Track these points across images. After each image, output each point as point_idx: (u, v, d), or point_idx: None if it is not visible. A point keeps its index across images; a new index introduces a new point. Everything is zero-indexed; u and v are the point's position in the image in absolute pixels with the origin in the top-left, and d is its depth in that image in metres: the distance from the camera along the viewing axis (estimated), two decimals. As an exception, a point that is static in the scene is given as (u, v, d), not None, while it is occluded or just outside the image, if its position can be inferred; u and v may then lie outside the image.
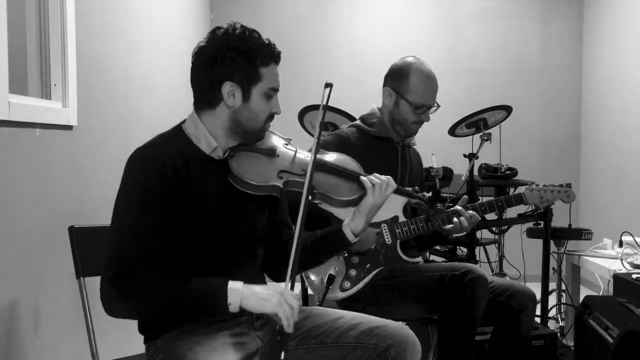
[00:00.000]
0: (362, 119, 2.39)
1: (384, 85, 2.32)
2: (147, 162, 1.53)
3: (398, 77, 2.26)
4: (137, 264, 1.45)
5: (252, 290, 1.47)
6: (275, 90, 1.63)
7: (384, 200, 1.73)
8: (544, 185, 2.31)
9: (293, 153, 1.70)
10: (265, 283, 1.75)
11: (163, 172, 1.51)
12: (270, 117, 1.64)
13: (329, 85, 1.55)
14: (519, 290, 2.22)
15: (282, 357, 1.36)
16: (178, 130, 1.64)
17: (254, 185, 1.60)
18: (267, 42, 1.60)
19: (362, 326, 1.66)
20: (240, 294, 1.45)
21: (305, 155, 1.71)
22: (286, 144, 1.73)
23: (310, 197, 1.65)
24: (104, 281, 1.45)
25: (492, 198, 2.36)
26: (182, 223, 1.53)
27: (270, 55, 1.60)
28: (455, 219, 2.19)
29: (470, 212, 2.20)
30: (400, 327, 1.67)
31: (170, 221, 1.51)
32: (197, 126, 1.61)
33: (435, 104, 2.28)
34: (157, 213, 1.49)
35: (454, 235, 2.37)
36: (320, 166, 1.70)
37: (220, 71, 1.56)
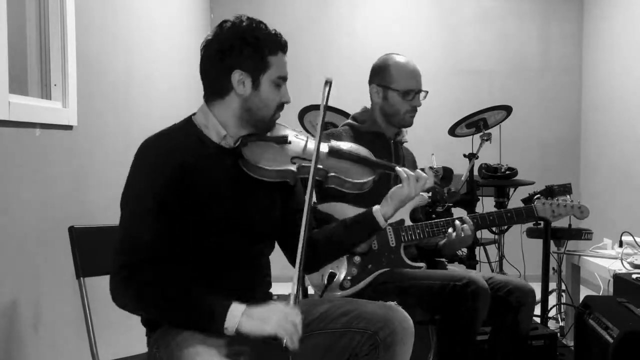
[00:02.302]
0: (353, 117, 2.44)
1: (370, 84, 2.38)
2: (156, 152, 1.56)
3: (380, 72, 2.35)
4: (144, 255, 1.49)
5: (252, 315, 1.44)
6: (284, 79, 1.65)
7: (417, 192, 1.77)
8: (557, 199, 2.32)
9: (305, 141, 1.73)
10: (270, 276, 1.77)
11: (172, 161, 1.53)
12: (280, 106, 1.66)
13: (328, 83, 1.55)
14: (517, 285, 2.22)
15: None
16: (188, 121, 1.67)
17: (268, 170, 1.61)
18: (273, 31, 1.63)
19: (353, 312, 1.65)
20: (238, 321, 1.43)
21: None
22: (297, 135, 1.75)
23: (324, 183, 1.69)
24: (114, 268, 1.49)
25: (501, 209, 2.34)
26: (190, 211, 1.54)
27: (278, 44, 1.63)
28: (457, 223, 2.19)
29: (465, 225, 2.19)
30: (388, 308, 1.66)
31: (179, 210, 1.52)
32: (207, 117, 1.63)
33: (423, 90, 2.34)
34: (165, 204, 1.51)
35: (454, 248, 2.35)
36: (334, 152, 1.75)
37: (229, 61, 1.58)
